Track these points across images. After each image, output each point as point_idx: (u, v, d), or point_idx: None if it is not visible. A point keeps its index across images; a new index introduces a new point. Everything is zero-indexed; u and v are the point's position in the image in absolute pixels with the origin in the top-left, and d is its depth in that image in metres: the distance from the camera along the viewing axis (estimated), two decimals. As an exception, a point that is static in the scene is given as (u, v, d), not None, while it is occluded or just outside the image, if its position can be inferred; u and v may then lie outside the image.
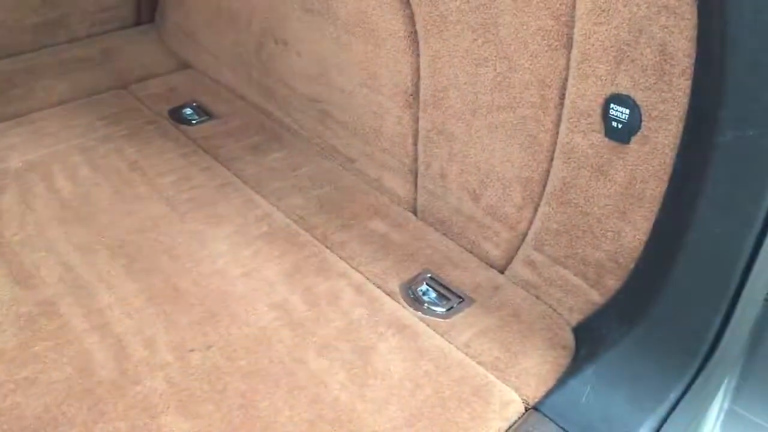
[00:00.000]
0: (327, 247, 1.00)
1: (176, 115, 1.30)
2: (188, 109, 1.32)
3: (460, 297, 0.93)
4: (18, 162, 1.15)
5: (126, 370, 0.82)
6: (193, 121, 1.29)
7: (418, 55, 0.97)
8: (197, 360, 0.83)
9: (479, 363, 0.83)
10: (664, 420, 0.73)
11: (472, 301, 0.92)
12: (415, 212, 1.08)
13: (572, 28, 0.78)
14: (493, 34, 0.86)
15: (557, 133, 0.85)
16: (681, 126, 0.72)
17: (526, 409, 0.79)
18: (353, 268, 0.97)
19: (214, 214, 1.06)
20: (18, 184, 1.10)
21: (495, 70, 0.87)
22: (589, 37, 0.76)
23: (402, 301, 0.92)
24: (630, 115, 0.75)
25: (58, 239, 1.00)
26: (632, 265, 0.81)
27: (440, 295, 0.93)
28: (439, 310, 0.91)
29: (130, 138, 1.24)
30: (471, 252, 1.00)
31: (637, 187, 0.78)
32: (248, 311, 0.90)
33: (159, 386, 0.80)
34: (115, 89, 1.38)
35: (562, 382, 0.81)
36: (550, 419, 0.77)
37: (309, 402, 0.78)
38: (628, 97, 0.75)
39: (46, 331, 0.86)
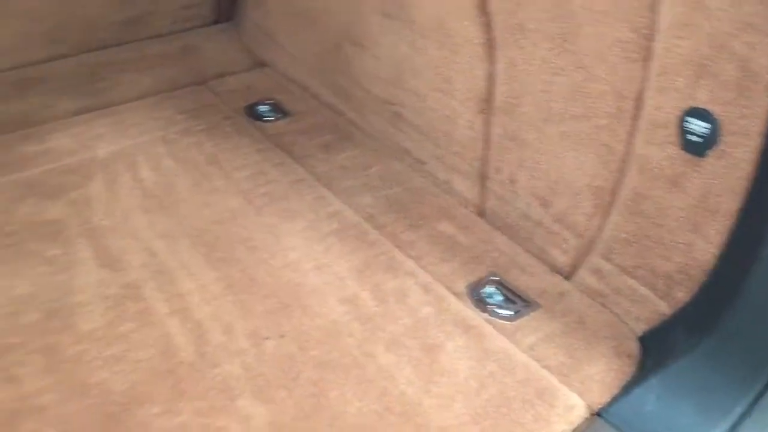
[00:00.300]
0: (396, 245, 1.03)
1: (252, 112, 1.35)
2: (263, 106, 1.36)
3: (525, 301, 0.94)
4: (105, 151, 1.22)
5: (205, 354, 0.86)
6: (268, 118, 1.33)
7: (493, 62, 0.99)
8: (271, 348, 0.87)
9: (544, 366, 0.85)
10: (730, 432, 0.74)
11: (537, 305, 0.94)
12: (482, 215, 1.10)
13: (651, 41, 0.79)
14: (571, 44, 0.87)
15: (631, 143, 0.86)
16: (760, 141, 0.72)
17: (590, 415, 0.81)
18: (421, 267, 0.99)
19: (287, 209, 1.10)
20: (105, 173, 1.17)
21: (571, 79, 0.89)
22: (670, 51, 0.77)
23: (468, 302, 0.94)
24: (708, 129, 0.75)
25: (142, 226, 1.06)
26: (703, 278, 0.81)
27: (506, 299, 0.95)
28: (505, 312, 0.93)
29: (208, 132, 1.29)
30: (538, 257, 1.01)
31: (711, 200, 0.78)
32: (320, 304, 0.93)
33: (235, 371, 0.84)
34: (194, 85, 1.44)
35: (626, 390, 0.82)
36: (614, 426, 0.78)
37: (377, 395, 0.81)
38: (707, 111, 0.75)
39: (131, 313, 0.91)
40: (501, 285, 0.97)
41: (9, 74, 1.38)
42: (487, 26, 0.98)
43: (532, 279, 0.98)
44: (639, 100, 0.83)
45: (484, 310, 0.93)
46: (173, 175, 1.17)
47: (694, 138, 0.77)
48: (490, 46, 0.99)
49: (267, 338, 0.88)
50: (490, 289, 0.96)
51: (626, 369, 0.85)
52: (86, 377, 0.83)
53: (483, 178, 1.08)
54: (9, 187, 1.11)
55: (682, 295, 0.84)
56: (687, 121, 0.77)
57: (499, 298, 0.95)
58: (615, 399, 0.81)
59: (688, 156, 0.79)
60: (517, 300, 0.95)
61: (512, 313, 0.92)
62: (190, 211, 1.09)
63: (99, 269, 0.98)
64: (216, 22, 1.64)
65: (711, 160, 0.77)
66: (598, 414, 0.80)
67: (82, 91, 1.37)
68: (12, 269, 0.97)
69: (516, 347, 0.88)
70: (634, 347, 0.88)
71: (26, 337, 0.87)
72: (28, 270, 0.97)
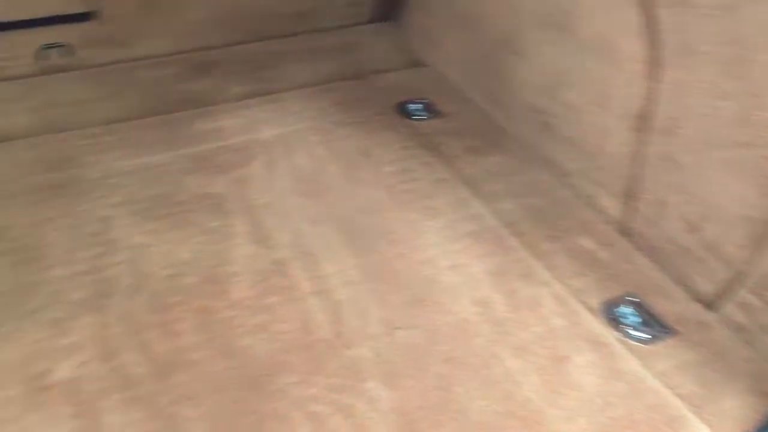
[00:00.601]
0: (533, 254, 1.04)
1: (403, 110, 1.40)
2: (415, 105, 1.41)
3: (662, 326, 0.92)
4: (267, 134, 1.30)
5: (340, 334, 0.91)
6: (419, 117, 1.37)
7: (656, 81, 0.98)
8: (402, 338, 0.91)
9: (676, 394, 0.83)
10: None
11: (675, 332, 0.92)
12: (625, 234, 1.08)
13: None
14: (743, 70, 0.84)
15: (797, 177, 0.82)
16: None
17: (720, 450, 0.78)
18: (556, 278, 1.00)
19: (429, 207, 1.14)
20: (265, 155, 1.25)
21: (739, 105, 0.86)
22: None
23: (601, 319, 0.94)
24: None
25: (293, 209, 1.13)
26: None
27: (642, 321, 0.93)
28: (639, 335, 0.91)
29: (360, 125, 1.35)
30: (680, 283, 0.99)
31: None
32: (452, 302, 0.96)
33: (367, 354, 0.88)
34: (351, 79, 1.51)
35: (762, 430, 0.78)
36: (744, 466, 0.76)
37: (502, 397, 0.83)
38: None
39: (278, 287, 0.98)
40: (638, 306, 0.95)
41: (191, 56, 1.50)
42: (654, 44, 0.96)
43: (672, 304, 0.96)
44: (811, 133, 0.79)
45: (617, 330, 0.92)
46: (325, 163, 1.24)
47: None
48: (654, 64, 0.97)
49: (398, 328, 0.92)
50: (625, 309, 0.95)
51: (763, 409, 0.81)
52: (234, 340, 0.90)
53: (630, 196, 1.07)
54: (182, 160, 1.22)
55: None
56: None
57: (635, 319, 0.93)
58: (749, 438, 0.78)
59: None
60: (654, 324, 0.93)
61: (647, 336, 0.91)
62: (337, 199, 1.15)
63: (252, 244, 1.06)
64: (376, 20, 1.70)
65: None
66: (729, 451, 0.78)
67: (251, 76, 1.47)
68: (178, 236, 1.07)
69: (648, 371, 0.86)
70: (775, 389, 0.84)
71: (185, 298, 0.96)
72: (191, 238, 1.06)
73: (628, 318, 0.94)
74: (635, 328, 0.92)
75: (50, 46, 1.40)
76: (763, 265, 0.87)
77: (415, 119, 1.37)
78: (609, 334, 0.91)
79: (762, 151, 0.85)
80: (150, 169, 1.19)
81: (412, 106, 1.40)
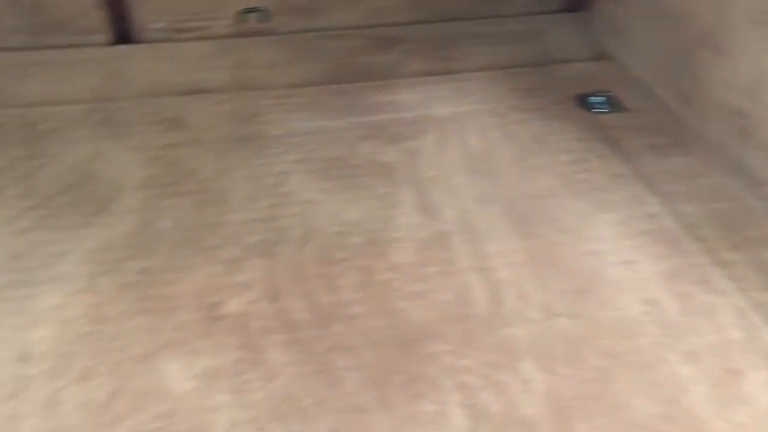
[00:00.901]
0: (713, 261, 0.97)
1: (583, 101, 1.35)
2: (597, 97, 1.35)
3: None
4: (442, 112, 1.31)
5: (498, 313, 0.90)
6: (600, 110, 1.32)
7: None
8: (562, 325, 0.88)
9: None
10: None
11: None
12: (822, 254, 0.98)
13: None
14: None
15: None
16: None
17: None
18: (738, 290, 0.92)
19: (602, 200, 1.09)
20: (438, 131, 1.26)
21: None
22: None
23: (785, 339, 0.86)
24: None
25: (461, 185, 1.13)
26: None
27: (834, 348, 0.84)
28: (829, 362, 0.82)
29: (536, 112, 1.32)
30: None
31: None
32: (618, 297, 0.92)
33: (523, 336, 0.87)
34: (532, 66, 1.48)
35: None
36: None
37: (665, 399, 0.78)
38: None
39: (438, 258, 0.98)
40: (830, 332, 0.86)
41: (375, 31, 1.54)
42: None
43: None
44: None
45: (803, 353, 0.84)
46: (497, 145, 1.22)
47: None
48: None
49: (559, 315, 0.89)
50: (815, 333, 0.86)
51: None
52: (391, 302, 0.91)
53: (834, 213, 0.97)
54: (359, 127, 1.25)
55: None
56: None
57: (826, 345, 0.84)
58: None
59: None
60: None
61: (839, 364, 0.82)
62: (507, 182, 1.14)
63: (417, 213, 1.07)
64: (565, 10, 1.66)
65: None
66: None
67: (431, 55, 1.48)
68: (348, 197, 1.10)
69: (836, 401, 0.78)
70: None
71: (349, 255, 0.99)
72: (361, 200, 1.09)
73: (817, 343, 0.85)
74: (825, 355, 0.83)
75: (250, 11, 1.49)
76: None
77: (595, 112, 1.32)
78: (793, 357, 0.83)
79: None
80: (328, 132, 1.24)
81: (593, 99, 1.35)
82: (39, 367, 0.81)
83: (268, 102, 1.32)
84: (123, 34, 1.47)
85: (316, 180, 1.13)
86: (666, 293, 0.92)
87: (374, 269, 0.96)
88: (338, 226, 1.04)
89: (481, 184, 1.13)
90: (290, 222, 1.04)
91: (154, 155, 1.16)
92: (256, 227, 1.03)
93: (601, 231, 1.03)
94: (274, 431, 0.75)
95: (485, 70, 1.46)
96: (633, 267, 0.96)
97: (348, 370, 0.82)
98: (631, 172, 1.15)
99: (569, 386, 0.80)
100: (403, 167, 1.17)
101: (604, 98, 1.35)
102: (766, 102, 1.07)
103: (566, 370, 0.82)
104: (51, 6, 1.41)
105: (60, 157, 1.15)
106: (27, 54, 1.41)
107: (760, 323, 0.87)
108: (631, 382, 0.80)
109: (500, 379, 0.81)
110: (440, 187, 1.12)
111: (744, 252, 0.99)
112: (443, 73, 1.44)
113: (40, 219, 1.03)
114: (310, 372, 0.82)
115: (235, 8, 1.48)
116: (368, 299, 0.92)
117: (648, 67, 1.38)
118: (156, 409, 0.77)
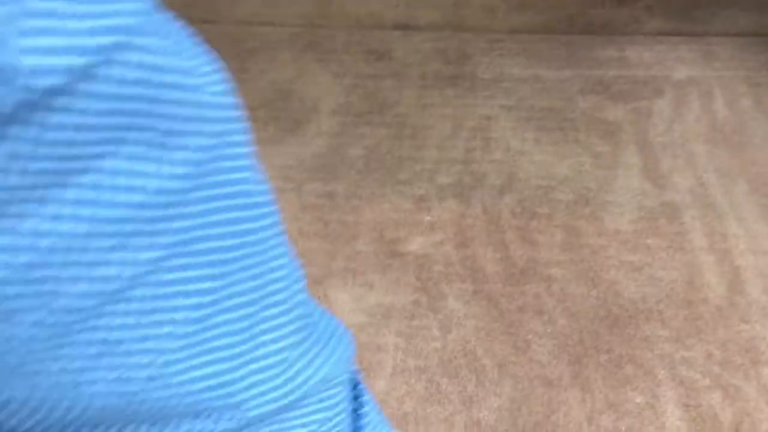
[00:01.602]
0: None
1: None
2: None
3: None
4: (682, 74, 1.12)
5: (736, 304, 0.72)
6: None
7: None
8: (825, 333, 0.68)
9: None
10: None
11: None
12: None
13: None
14: None
15: None
16: None
17: None
18: None
19: None
20: (675, 94, 1.07)
21: None
22: None
23: None
24: None
25: (699, 154, 0.94)
26: None
27: None
28: None
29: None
30: None
31: None
32: None
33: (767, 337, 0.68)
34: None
35: None
36: None
37: None
38: None
39: (663, 230, 0.82)
40: None
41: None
42: None
43: None
44: None
45: None
46: (749, 116, 1.02)
47: None
48: None
49: (820, 321, 0.70)
50: None
51: None
52: (598, 270, 0.77)
53: None
54: (579, 80, 1.10)
55: None
56: None
57: None
58: None
59: None
60: None
61: None
62: (758, 158, 0.93)
63: (642, 179, 0.90)
64: None
65: None
66: None
67: (675, 13, 1.28)
68: (559, 151, 0.95)
69: None
70: None
71: (553, 212, 0.85)
72: (573, 156, 0.94)
73: None
74: None
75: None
76: None
77: None
78: None
79: None
80: (543, 82, 1.10)
81: None
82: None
83: (481, 45, 1.20)
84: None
85: (524, 129, 0.99)
86: None
87: (582, 231, 0.82)
88: (543, 179, 0.90)
89: (726, 156, 0.94)
90: (490, 168, 0.92)
91: (355, 83, 1.09)
92: (452, 168, 0.92)
93: None
94: (445, 386, 0.64)
95: (742, 36, 1.24)
96: None
97: (539, 336, 0.69)
98: None
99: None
100: (630, 128, 1.00)
101: None
102: None
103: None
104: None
105: (263, 75, 1.12)
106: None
107: None
108: None
109: (733, 383, 0.64)
110: (674, 153, 0.95)
111: None
112: (688, 35, 1.23)
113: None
114: (495, 330, 0.69)
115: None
116: (572, 263, 0.77)
117: None
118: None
